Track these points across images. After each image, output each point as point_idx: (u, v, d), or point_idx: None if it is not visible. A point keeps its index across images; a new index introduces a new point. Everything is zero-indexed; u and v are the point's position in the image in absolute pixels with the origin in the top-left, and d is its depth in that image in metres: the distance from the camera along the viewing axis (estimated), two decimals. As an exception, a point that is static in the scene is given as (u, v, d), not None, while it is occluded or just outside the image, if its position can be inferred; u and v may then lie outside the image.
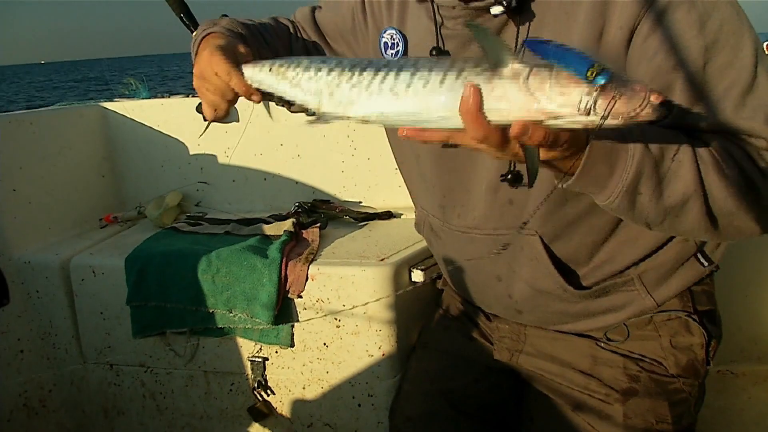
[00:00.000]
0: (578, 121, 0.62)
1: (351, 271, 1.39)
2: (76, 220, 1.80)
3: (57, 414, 1.68)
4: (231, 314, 1.44)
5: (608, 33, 0.85)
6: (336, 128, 1.79)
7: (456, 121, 0.66)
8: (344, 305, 1.40)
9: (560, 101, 0.61)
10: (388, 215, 1.73)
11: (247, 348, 1.50)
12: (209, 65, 0.90)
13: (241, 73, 0.90)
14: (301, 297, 1.41)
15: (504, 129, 0.65)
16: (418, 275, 1.42)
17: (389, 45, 1.09)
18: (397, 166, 1.27)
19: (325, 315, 1.41)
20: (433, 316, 1.37)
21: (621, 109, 0.60)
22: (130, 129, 1.94)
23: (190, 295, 1.45)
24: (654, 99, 0.60)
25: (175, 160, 1.92)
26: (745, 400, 1.78)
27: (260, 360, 1.49)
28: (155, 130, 1.93)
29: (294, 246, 1.50)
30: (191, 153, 1.91)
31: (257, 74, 0.88)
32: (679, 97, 0.84)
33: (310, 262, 1.42)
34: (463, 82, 0.65)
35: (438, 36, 0.98)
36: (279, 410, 1.53)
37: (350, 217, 1.70)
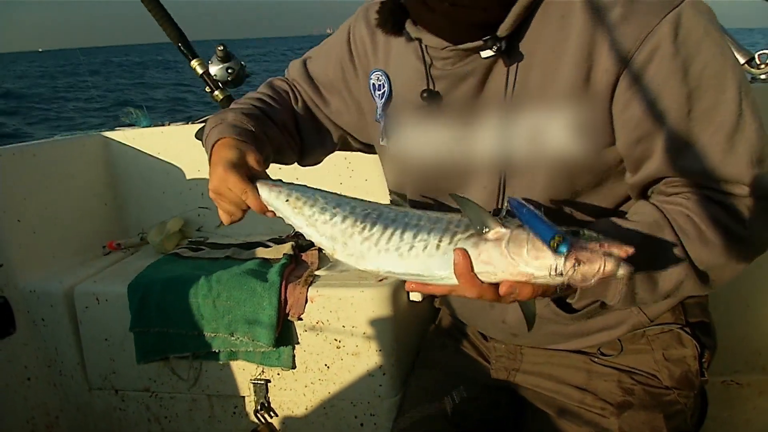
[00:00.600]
0: (554, 282, 0.72)
1: (350, 292, 1.41)
2: (80, 248, 1.83)
3: (64, 440, 1.70)
4: (233, 338, 1.45)
5: (595, 75, 0.86)
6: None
7: (454, 281, 0.77)
8: (344, 326, 1.42)
9: (535, 266, 0.71)
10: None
11: (250, 371, 1.51)
12: (224, 183, 0.93)
13: (257, 192, 0.93)
14: (301, 319, 1.43)
15: (496, 285, 0.76)
16: (416, 295, 1.44)
17: (376, 87, 1.09)
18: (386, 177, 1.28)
19: (326, 336, 1.43)
20: (431, 335, 1.39)
21: (586, 272, 0.68)
22: (132, 157, 1.97)
23: (192, 319, 1.47)
24: (617, 252, 0.69)
25: (175, 186, 1.95)
26: (750, 411, 1.78)
27: (263, 382, 1.51)
28: (156, 157, 1.96)
29: (293, 269, 1.52)
30: (191, 179, 1.94)
31: (273, 200, 0.93)
32: (664, 145, 0.85)
33: (310, 285, 1.44)
34: (455, 246, 0.76)
35: (428, 77, 0.98)
36: (282, 432, 1.54)
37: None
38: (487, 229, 0.75)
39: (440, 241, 0.77)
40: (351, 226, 0.84)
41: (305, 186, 0.95)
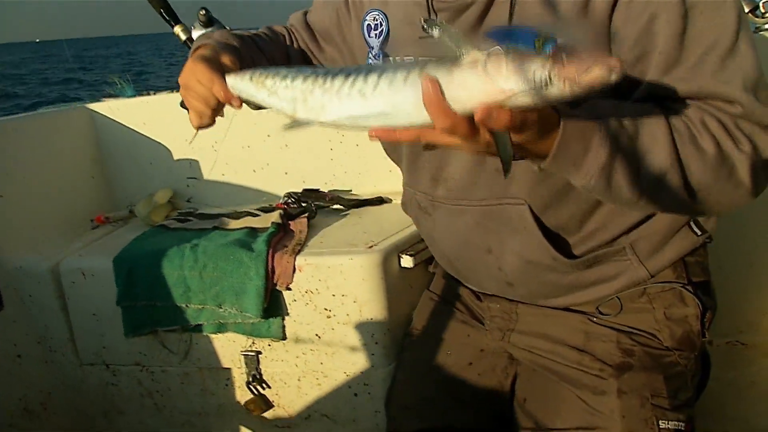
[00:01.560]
0: (538, 96, 0.62)
1: (339, 260, 1.37)
2: (68, 223, 1.79)
3: (58, 417, 1.69)
4: (221, 309, 1.43)
5: (593, 2, 0.84)
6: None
7: (423, 116, 0.67)
8: (333, 295, 1.38)
9: (516, 78, 0.62)
10: (379, 201, 1.70)
11: (240, 342, 1.49)
12: (192, 74, 0.91)
13: (224, 81, 0.90)
14: (289, 289, 1.40)
15: (471, 117, 0.65)
16: (407, 261, 1.40)
17: (372, 27, 1.08)
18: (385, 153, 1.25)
19: (315, 306, 1.39)
20: (424, 302, 1.36)
21: (573, 72, 0.60)
22: (117, 129, 1.93)
23: (179, 292, 1.44)
24: (609, 61, 0.59)
25: (163, 157, 1.91)
26: (755, 372, 1.75)
27: (253, 354, 1.48)
28: (141, 128, 1.91)
29: (281, 237, 1.49)
30: (179, 149, 1.90)
31: (238, 83, 0.90)
32: (658, 60, 0.83)
33: (297, 253, 1.40)
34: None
35: (429, 8, 0.97)
36: (276, 403, 1.52)
37: (340, 205, 1.68)
38: (461, 55, 0.66)
39: (408, 74, 0.68)
40: (312, 83, 0.78)
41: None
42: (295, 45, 1.22)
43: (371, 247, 1.39)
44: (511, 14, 0.89)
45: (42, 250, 1.64)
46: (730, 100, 0.81)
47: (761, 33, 1.62)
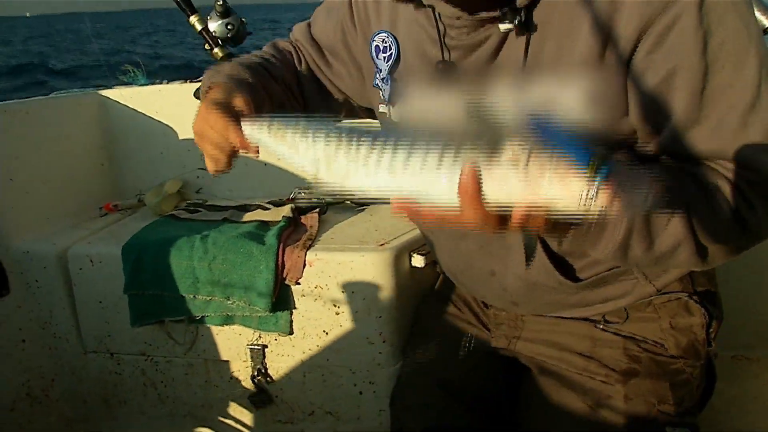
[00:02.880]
0: (578, 212, 0.60)
1: (349, 257, 1.36)
2: (76, 209, 1.79)
3: (59, 403, 1.68)
4: (229, 302, 1.41)
5: (612, 43, 0.81)
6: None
7: (453, 203, 0.64)
8: (343, 291, 1.37)
9: (560, 193, 0.59)
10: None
11: (246, 336, 1.48)
12: (206, 122, 0.88)
13: (239, 128, 0.86)
14: (299, 284, 1.39)
15: (503, 214, 0.64)
16: (418, 260, 1.39)
17: (381, 49, 1.05)
18: None
19: (324, 301, 1.39)
20: (430, 302, 1.35)
21: (620, 206, 0.58)
22: (129, 117, 1.92)
23: (187, 283, 1.42)
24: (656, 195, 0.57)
25: (174, 147, 1.90)
26: (760, 386, 1.74)
27: (259, 348, 1.47)
28: (154, 117, 1.91)
29: (292, 232, 1.48)
30: (190, 139, 1.88)
31: (256, 133, 0.85)
32: (675, 120, 0.80)
33: (308, 248, 1.39)
34: (461, 164, 0.63)
35: (442, 46, 0.94)
36: (280, 398, 1.51)
37: (351, 202, 1.67)
38: (501, 146, 0.62)
39: (442, 156, 0.64)
40: (336, 146, 0.74)
41: (289, 114, 0.86)
42: (303, 63, 1.18)
43: (382, 245, 1.38)
44: (525, 54, 0.86)
45: (50, 236, 1.63)
46: (746, 164, 0.79)
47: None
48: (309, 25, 1.19)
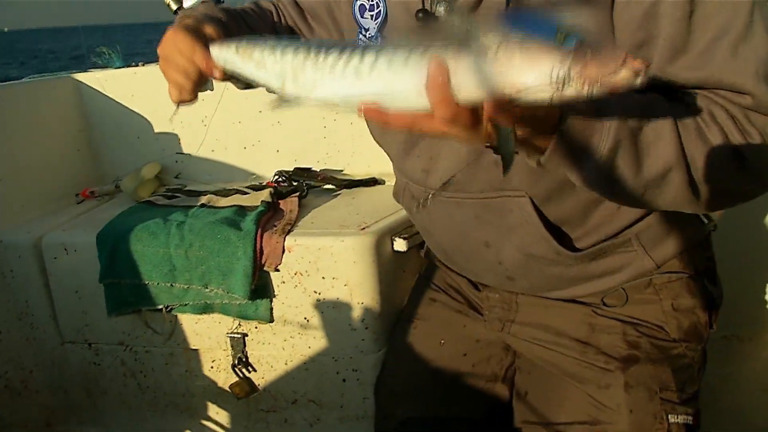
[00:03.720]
0: (554, 93, 0.56)
1: (329, 241, 1.33)
2: (52, 197, 1.75)
3: (40, 395, 1.65)
4: (207, 290, 1.38)
5: None
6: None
7: (422, 102, 0.61)
8: (323, 277, 1.34)
9: (531, 73, 0.56)
10: (373, 182, 1.66)
11: (226, 324, 1.45)
12: (172, 43, 0.86)
13: (207, 50, 0.85)
14: (278, 270, 1.35)
15: (474, 108, 0.60)
16: (400, 244, 1.35)
17: (366, 7, 1.02)
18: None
19: (304, 288, 1.35)
20: (418, 288, 1.32)
21: (596, 73, 0.54)
22: (104, 100, 1.87)
23: (164, 271, 1.39)
24: (635, 63, 0.54)
25: (151, 131, 1.85)
26: (752, 366, 1.73)
27: (240, 336, 1.44)
28: (129, 100, 1.86)
29: (271, 217, 1.44)
30: (168, 123, 1.84)
31: (223, 53, 0.84)
32: (663, 46, 0.77)
33: (287, 233, 1.36)
34: (429, 59, 0.60)
35: None
36: (262, 387, 1.49)
37: (332, 185, 1.63)
38: (471, 41, 0.59)
39: (410, 55, 0.62)
40: (303, 58, 0.72)
41: (260, 35, 0.85)
42: (283, 22, 1.16)
43: (363, 229, 1.35)
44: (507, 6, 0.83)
45: (24, 224, 1.60)
46: (740, 90, 0.75)
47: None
48: None
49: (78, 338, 1.56)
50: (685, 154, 0.73)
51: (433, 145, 1.02)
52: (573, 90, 0.55)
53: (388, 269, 1.37)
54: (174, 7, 1.79)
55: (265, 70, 0.78)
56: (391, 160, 1.18)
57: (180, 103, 0.90)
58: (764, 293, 1.75)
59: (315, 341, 1.40)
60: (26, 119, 1.72)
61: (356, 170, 1.75)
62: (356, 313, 1.35)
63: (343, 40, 0.73)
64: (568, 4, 0.59)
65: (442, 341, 1.22)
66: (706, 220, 1.03)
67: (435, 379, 1.20)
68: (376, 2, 1.01)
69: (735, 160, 0.75)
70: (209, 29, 0.89)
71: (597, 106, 0.70)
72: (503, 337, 1.16)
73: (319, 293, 1.36)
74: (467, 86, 0.59)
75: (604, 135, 0.71)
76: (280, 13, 1.17)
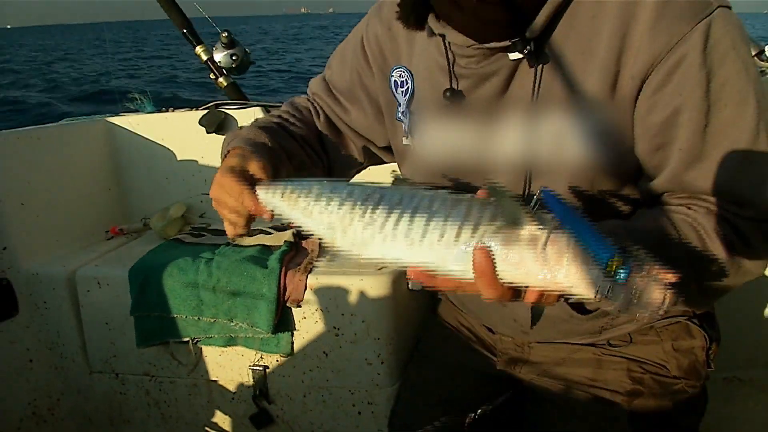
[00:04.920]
0: (597, 303, 0.64)
1: (349, 280, 1.41)
2: (83, 233, 1.84)
3: (65, 422, 1.71)
4: (232, 323, 1.46)
5: (621, 80, 0.84)
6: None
7: (470, 275, 0.66)
8: (343, 314, 1.42)
9: (577, 281, 0.61)
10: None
11: (248, 357, 1.52)
12: (221, 188, 0.90)
13: (254, 194, 0.88)
14: (300, 306, 1.43)
15: (518, 288, 0.67)
16: (415, 284, 1.43)
17: (399, 83, 1.06)
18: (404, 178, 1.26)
19: (324, 324, 1.43)
20: (432, 326, 1.38)
21: (645, 304, 0.59)
22: (135, 143, 1.98)
23: (192, 305, 1.47)
24: (668, 279, 0.59)
25: (179, 172, 1.95)
26: (752, 407, 1.77)
27: (261, 368, 1.51)
28: (159, 143, 1.96)
29: (294, 256, 1.52)
30: (194, 165, 1.94)
31: (270, 199, 0.87)
32: (678, 157, 0.84)
33: (309, 272, 1.44)
34: (479, 240, 0.65)
35: (451, 75, 0.95)
36: (280, 418, 1.55)
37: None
38: (519, 225, 0.63)
39: (460, 229, 0.66)
40: (350, 212, 0.74)
41: (304, 178, 0.88)
42: (321, 115, 1.18)
43: (381, 269, 1.42)
44: (535, 86, 0.88)
45: (58, 258, 1.68)
46: (744, 202, 0.82)
47: (766, 77, 1.68)
48: (324, 77, 1.21)
49: (105, 368, 1.63)
50: (694, 275, 0.82)
51: None
52: (611, 306, 0.59)
53: (404, 307, 1.44)
54: (204, 57, 1.92)
55: (311, 220, 0.80)
56: None
57: (236, 237, 0.95)
58: (764, 337, 1.80)
59: (332, 374, 1.47)
60: (61, 159, 1.82)
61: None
62: (373, 348, 1.43)
63: (383, 188, 0.77)
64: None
65: (455, 377, 1.27)
66: None
67: (447, 413, 1.25)
68: (405, 79, 1.05)
69: (734, 266, 0.83)
70: (254, 166, 0.92)
71: None
72: (514, 374, 1.22)
73: (338, 329, 1.43)
74: (513, 276, 0.64)
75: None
76: (316, 106, 1.19)
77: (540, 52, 0.87)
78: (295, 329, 1.46)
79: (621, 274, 0.58)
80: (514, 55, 0.86)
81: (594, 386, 1.11)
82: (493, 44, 0.86)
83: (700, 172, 0.83)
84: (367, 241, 0.72)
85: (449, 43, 0.93)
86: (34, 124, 1.84)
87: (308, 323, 1.45)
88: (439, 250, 0.67)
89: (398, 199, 0.72)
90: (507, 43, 0.85)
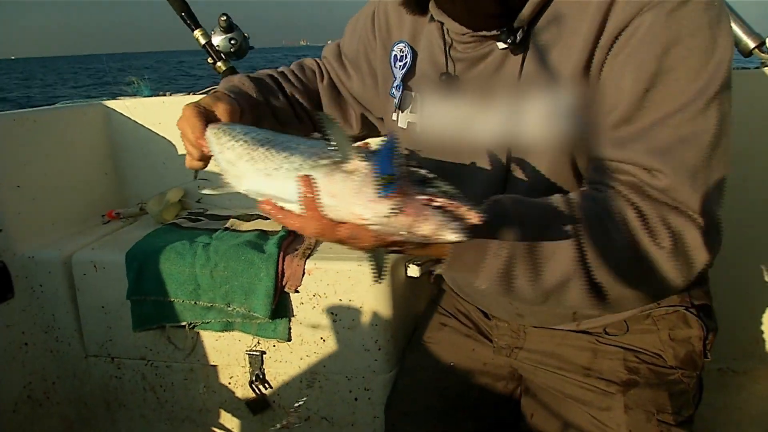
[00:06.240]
0: (383, 229, 0.64)
1: (347, 266, 1.40)
2: (79, 217, 1.83)
3: (60, 406, 1.71)
4: (229, 308, 1.45)
5: (595, 55, 0.84)
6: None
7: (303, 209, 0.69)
8: (340, 300, 1.41)
9: (364, 206, 0.63)
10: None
11: (245, 342, 1.51)
12: (184, 118, 0.96)
13: (203, 131, 0.93)
14: (297, 291, 1.43)
15: (339, 221, 0.67)
16: (414, 270, 1.43)
17: (398, 58, 1.10)
18: None
19: (322, 309, 1.43)
20: (429, 313, 1.38)
21: (404, 223, 0.61)
22: (132, 127, 1.96)
23: (189, 289, 1.46)
24: (458, 213, 0.61)
25: (176, 157, 1.94)
26: (745, 398, 1.79)
27: (258, 354, 1.51)
28: (156, 127, 1.95)
29: (291, 241, 1.52)
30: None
31: (207, 134, 0.92)
32: (614, 116, 0.82)
33: (307, 257, 1.43)
34: (308, 171, 0.68)
35: (447, 58, 1.00)
36: (277, 404, 1.55)
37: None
38: (345, 160, 0.66)
39: (302, 164, 0.70)
40: (245, 150, 0.79)
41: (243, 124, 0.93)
42: (325, 77, 1.24)
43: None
44: (522, 69, 0.91)
45: (54, 242, 1.67)
46: (655, 170, 0.78)
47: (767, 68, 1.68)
48: (338, 43, 1.27)
49: (101, 352, 1.62)
50: (585, 265, 0.76)
51: None
52: (391, 229, 0.62)
53: (402, 293, 1.44)
54: (202, 41, 1.90)
55: (222, 156, 0.85)
56: None
57: (192, 168, 1.00)
58: (759, 329, 1.81)
59: (330, 360, 1.47)
60: (58, 143, 1.81)
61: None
62: (370, 334, 1.42)
63: (284, 135, 0.81)
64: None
65: (452, 364, 1.28)
66: None
67: (443, 400, 1.25)
68: (405, 53, 1.09)
69: (642, 263, 0.77)
70: (221, 109, 0.97)
71: (488, 228, 0.74)
72: (510, 361, 1.22)
73: (336, 314, 1.43)
74: (328, 206, 0.66)
75: (498, 250, 0.76)
76: (323, 69, 1.25)
77: (526, 37, 0.90)
78: (292, 315, 1.45)
79: (384, 190, 0.60)
80: (501, 45, 0.91)
81: (589, 375, 1.12)
82: (483, 33, 0.92)
83: (625, 133, 0.81)
84: (244, 174, 0.78)
85: (447, 29, 0.99)
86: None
87: (306, 309, 1.44)
88: (283, 181, 0.71)
89: (283, 140, 0.77)
90: (496, 32, 0.90)
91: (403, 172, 0.63)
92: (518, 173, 0.94)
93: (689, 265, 0.78)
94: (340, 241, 0.69)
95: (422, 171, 0.66)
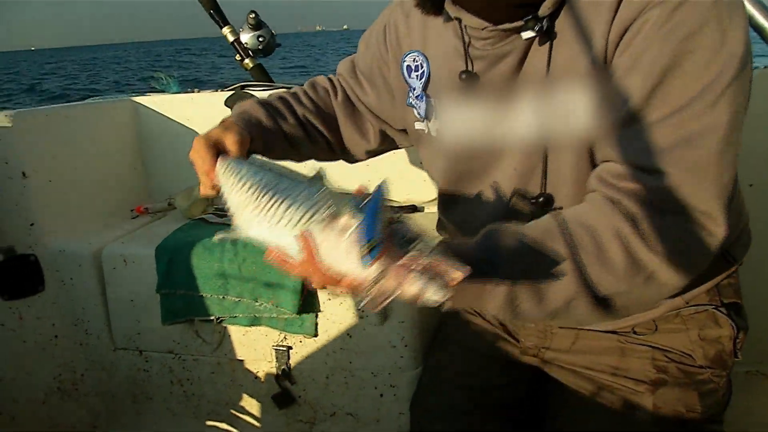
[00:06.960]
0: (371, 289, 0.66)
1: (375, 263, 1.41)
2: (109, 211, 1.85)
3: (88, 398, 1.73)
4: (257, 303, 1.47)
5: (610, 45, 0.83)
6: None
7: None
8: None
9: (358, 275, 0.65)
10: (412, 209, 1.74)
11: (272, 337, 1.53)
12: (195, 150, 0.97)
13: (213, 165, 0.95)
14: (325, 287, 1.43)
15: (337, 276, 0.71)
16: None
17: (412, 68, 1.09)
18: (421, 161, 1.28)
19: (348, 306, 1.43)
20: (454, 312, 1.37)
21: (385, 289, 0.63)
22: (161, 123, 1.98)
23: (217, 284, 1.48)
24: (442, 273, 0.62)
25: (204, 153, 1.95)
26: (773, 401, 1.76)
27: (284, 349, 1.52)
28: (185, 123, 1.97)
29: (319, 237, 1.52)
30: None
31: (217, 171, 0.93)
32: (618, 114, 0.81)
33: (335, 254, 1.44)
34: (307, 226, 0.72)
35: (467, 57, 0.97)
36: (302, 398, 1.56)
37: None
38: (339, 215, 0.70)
39: (302, 218, 0.73)
40: (250, 195, 0.82)
41: (254, 160, 0.94)
42: (339, 95, 1.22)
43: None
44: (548, 65, 0.89)
45: (85, 236, 1.69)
46: (655, 169, 0.77)
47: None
48: (352, 59, 1.25)
49: (129, 345, 1.64)
50: (586, 282, 0.77)
51: (466, 208, 1.09)
52: (372, 293, 0.64)
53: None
54: (231, 38, 1.92)
55: (230, 198, 0.87)
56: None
57: (206, 197, 1.03)
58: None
59: (356, 357, 1.48)
60: (87, 138, 1.83)
61: (396, 197, 1.84)
62: (396, 331, 1.43)
63: (292, 177, 0.83)
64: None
65: (478, 360, 1.27)
66: (733, 260, 1.06)
67: (469, 397, 1.25)
68: (420, 63, 1.07)
69: (641, 273, 0.77)
70: (230, 140, 0.97)
71: (487, 249, 0.77)
72: (537, 361, 1.21)
73: (362, 311, 1.44)
74: (328, 262, 0.69)
75: (495, 288, 0.77)
76: (337, 87, 1.23)
77: (551, 27, 0.88)
78: (319, 311, 1.46)
79: (368, 258, 0.62)
80: (527, 34, 0.88)
81: (617, 374, 1.11)
82: (506, 25, 0.89)
83: (627, 132, 0.80)
84: (250, 222, 0.81)
85: (465, 26, 0.95)
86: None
87: (333, 305, 1.45)
88: (285, 233, 0.74)
89: (285, 187, 0.79)
90: (520, 23, 0.87)
91: (388, 233, 0.65)
92: (554, 167, 0.93)
93: (689, 265, 0.79)
94: (334, 287, 0.73)
95: (407, 229, 0.68)
